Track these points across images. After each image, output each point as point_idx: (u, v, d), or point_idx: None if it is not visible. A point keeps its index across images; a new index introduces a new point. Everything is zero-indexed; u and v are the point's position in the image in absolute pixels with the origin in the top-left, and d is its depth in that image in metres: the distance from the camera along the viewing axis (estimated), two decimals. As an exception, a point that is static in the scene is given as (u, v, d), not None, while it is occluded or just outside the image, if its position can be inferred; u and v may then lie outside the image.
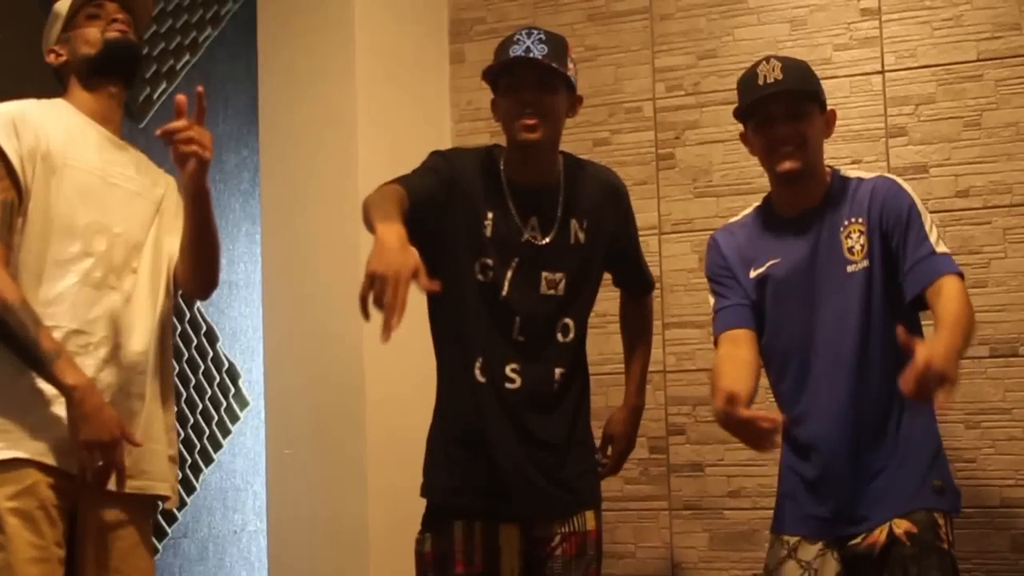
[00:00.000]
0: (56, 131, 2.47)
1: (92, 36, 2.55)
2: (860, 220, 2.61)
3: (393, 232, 2.16)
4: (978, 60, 3.42)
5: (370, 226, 2.26)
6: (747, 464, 3.50)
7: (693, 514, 3.61)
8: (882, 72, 3.52)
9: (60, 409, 2.35)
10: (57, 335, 2.36)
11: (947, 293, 2.46)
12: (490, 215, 2.59)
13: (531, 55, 2.52)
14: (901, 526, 2.52)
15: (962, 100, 3.42)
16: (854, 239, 2.60)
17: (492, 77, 2.60)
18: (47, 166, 2.43)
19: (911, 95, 3.48)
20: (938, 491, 2.57)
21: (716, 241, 2.78)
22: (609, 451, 2.89)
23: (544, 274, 2.62)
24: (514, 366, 2.59)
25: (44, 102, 2.54)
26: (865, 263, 2.58)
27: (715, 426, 3.61)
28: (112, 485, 2.40)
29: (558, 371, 2.63)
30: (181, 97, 2.44)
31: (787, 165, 2.62)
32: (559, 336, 2.64)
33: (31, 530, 2.32)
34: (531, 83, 2.54)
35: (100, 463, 2.33)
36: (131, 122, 4.03)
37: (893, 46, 3.51)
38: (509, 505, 2.58)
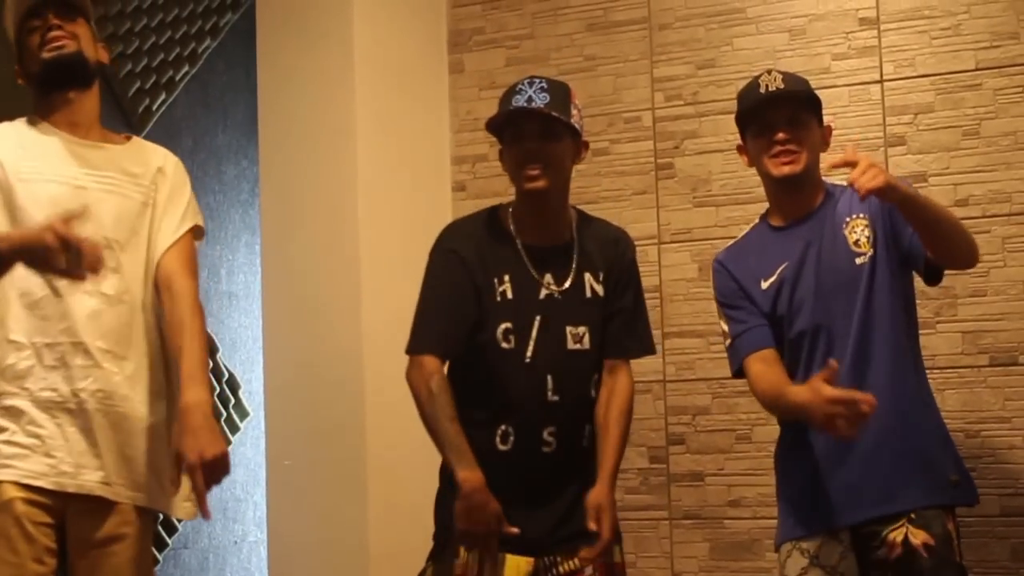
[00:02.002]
0: (8, 151, 2.44)
1: (33, 54, 2.50)
2: (862, 215, 2.65)
3: (477, 487, 2.42)
4: (977, 69, 3.42)
5: (442, 452, 2.49)
6: (747, 473, 3.49)
7: (693, 524, 3.60)
8: (881, 81, 3.52)
9: (37, 428, 2.34)
10: (27, 353, 2.35)
11: None
12: (507, 278, 2.59)
13: (532, 104, 2.53)
14: (919, 536, 2.53)
15: (961, 109, 3.43)
16: (859, 232, 2.65)
17: (496, 128, 2.60)
18: (2, 187, 2.40)
19: (910, 104, 3.48)
20: (954, 486, 2.60)
21: (723, 265, 2.78)
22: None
23: (568, 328, 2.59)
24: (551, 429, 2.57)
25: (2, 125, 2.52)
26: (871, 251, 2.63)
27: (715, 435, 3.63)
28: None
29: (588, 427, 2.62)
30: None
31: (786, 169, 2.65)
32: (592, 392, 2.62)
33: (5, 547, 2.30)
34: (534, 133, 2.55)
35: (57, 245, 2.05)
36: (131, 133, 4.02)
37: (892, 55, 3.51)
38: (529, 550, 2.54)
